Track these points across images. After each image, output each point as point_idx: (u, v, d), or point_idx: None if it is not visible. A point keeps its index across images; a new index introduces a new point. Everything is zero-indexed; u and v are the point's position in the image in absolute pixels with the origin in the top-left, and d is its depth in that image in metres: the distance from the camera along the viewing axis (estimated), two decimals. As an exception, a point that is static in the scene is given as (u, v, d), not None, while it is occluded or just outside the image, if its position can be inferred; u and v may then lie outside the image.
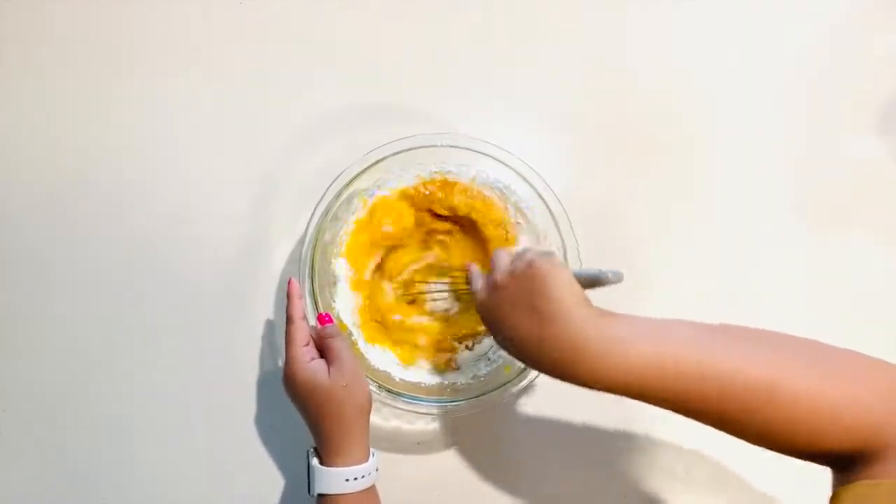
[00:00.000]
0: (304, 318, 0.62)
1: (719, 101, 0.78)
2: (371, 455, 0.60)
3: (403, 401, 0.64)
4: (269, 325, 0.72)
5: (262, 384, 0.71)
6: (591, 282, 0.50)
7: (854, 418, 0.41)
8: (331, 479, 0.58)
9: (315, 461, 0.59)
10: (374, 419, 0.70)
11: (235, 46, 0.77)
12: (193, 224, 0.73)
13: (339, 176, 0.65)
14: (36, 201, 0.74)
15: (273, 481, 0.70)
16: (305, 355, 0.60)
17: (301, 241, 0.66)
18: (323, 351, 0.61)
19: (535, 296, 0.48)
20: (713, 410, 0.43)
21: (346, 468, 0.58)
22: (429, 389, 0.67)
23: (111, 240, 0.73)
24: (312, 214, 0.65)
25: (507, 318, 0.51)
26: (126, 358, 0.71)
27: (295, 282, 0.63)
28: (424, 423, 0.71)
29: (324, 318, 0.63)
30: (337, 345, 0.60)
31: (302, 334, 0.61)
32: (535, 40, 0.78)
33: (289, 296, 0.62)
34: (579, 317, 0.46)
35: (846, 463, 0.42)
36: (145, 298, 0.72)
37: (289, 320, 0.61)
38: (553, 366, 0.47)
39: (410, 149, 0.66)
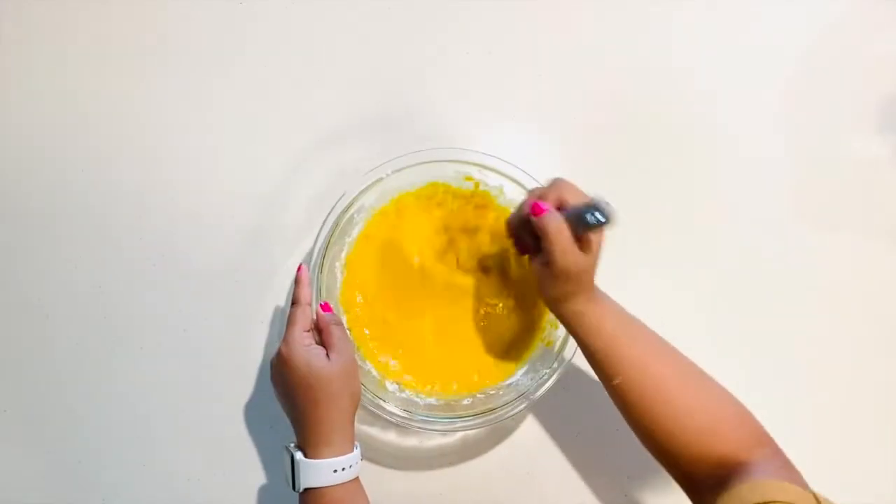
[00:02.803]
0: (310, 304, 0.62)
1: (719, 102, 0.78)
2: (356, 446, 0.59)
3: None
4: (273, 335, 0.72)
5: (263, 389, 0.72)
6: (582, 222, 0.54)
7: (723, 436, 0.54)
8: (318, 471, 0.56)
9: (299, 455, 0.57)
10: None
11: (251, 54, 0.77)
12: (197, 233, 0.74)
13: (342, 196, 0.66)
14: (36, 202, 0.74)
15: (273, 480, 0.71)
16: (304, 339, 0.59)
17: (307, 260, 0.67)
18: (322, 337, 0.61)
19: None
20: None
21: (333, 459, 0.56)
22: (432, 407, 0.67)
23: (111, 242, 0.73)
24: (319, 233, 0.66)
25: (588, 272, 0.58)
26: (127, 359, 0.72)
27: (305, 268, 0.63)
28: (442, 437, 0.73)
29: (325, 307, 0.63)
30: (337, 332, 0.60)
31: (305, 319, 0.61)
32: (536, 43, 0.78)
33: (297, 281, 0.63)
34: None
35: (703, 488, 0.53)
36: (147, 302, 0.73)
37: (294, 303, 0.62)
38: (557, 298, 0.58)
39: (417, 164, 0.66)
